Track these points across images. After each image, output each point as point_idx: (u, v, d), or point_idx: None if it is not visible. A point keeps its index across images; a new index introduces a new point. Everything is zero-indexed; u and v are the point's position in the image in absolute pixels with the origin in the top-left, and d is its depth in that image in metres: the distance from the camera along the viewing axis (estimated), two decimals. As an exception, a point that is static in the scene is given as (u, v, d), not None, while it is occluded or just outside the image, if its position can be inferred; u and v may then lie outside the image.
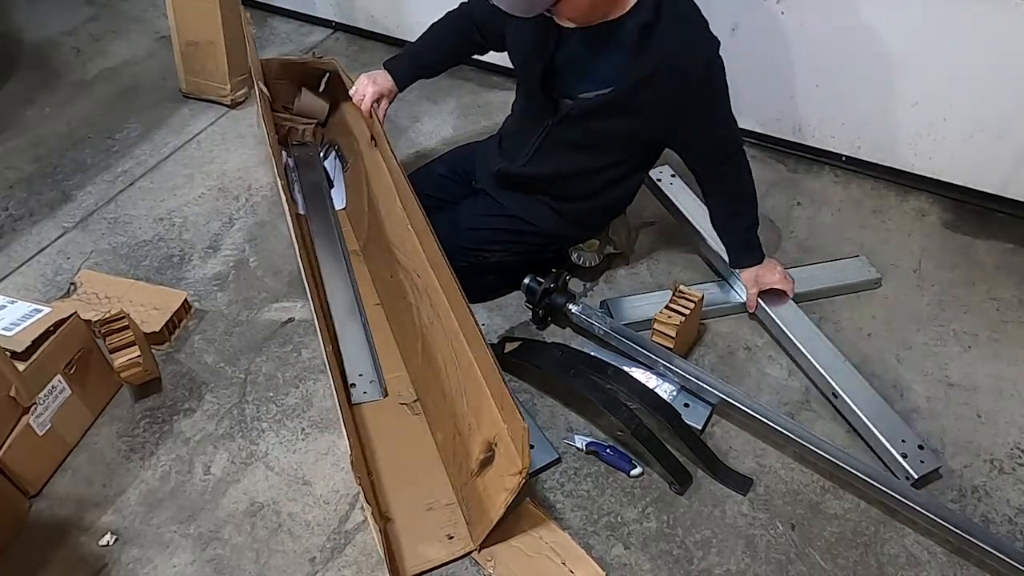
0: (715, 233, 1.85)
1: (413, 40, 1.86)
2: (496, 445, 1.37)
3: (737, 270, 1.81)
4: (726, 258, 1.83)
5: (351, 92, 1.87)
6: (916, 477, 1.47)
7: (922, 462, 1.49)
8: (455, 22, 1.81)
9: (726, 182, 1.71)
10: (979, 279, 1.94)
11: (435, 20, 1.85)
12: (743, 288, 1.82)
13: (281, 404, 1.67)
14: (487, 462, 1.38)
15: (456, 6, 1.83)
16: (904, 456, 1.50)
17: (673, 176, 2.13)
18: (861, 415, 1.56)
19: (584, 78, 1.57)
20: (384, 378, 1.69)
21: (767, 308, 1.77)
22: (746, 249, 1.77)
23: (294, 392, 1.70)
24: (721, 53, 1.51)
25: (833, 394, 1.62)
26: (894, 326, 1.83)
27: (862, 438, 1.58)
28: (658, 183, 2.11)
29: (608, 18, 1.48)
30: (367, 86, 1.82)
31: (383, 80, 1.83)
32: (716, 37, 1.51)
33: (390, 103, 1.87)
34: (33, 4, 3.18)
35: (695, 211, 2.00)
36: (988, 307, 1.87)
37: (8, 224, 2.14)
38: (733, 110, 1.62)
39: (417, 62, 1.87)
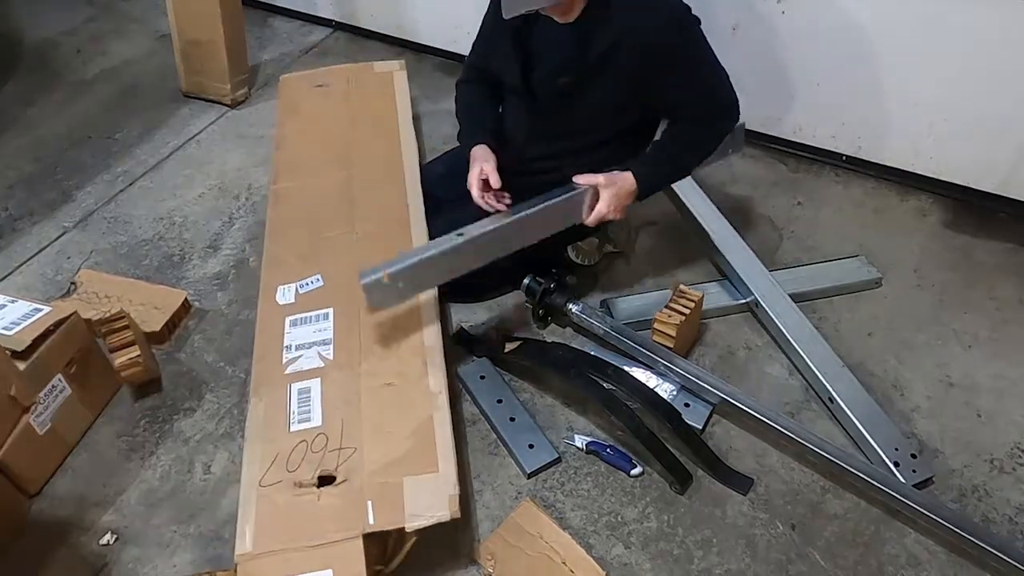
0: (723, 232, 1.85)
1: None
2: None
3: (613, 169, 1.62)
4: (709, 239, 1.73)
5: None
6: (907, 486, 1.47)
7: (914, 471, 1.49)
8: (475, 87, 1.79)
9: (686, 133, 1.61)
10: (979, 279, 1.94)
11: (459, 103, 1.81)
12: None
13: (281, 404, 1.67)
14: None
15: (461, 78, 1.83)
16: (896, 464, 1.49)
17: None
18: (856, 421, 1.56)
19: (554, 59, 1.58)
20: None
21: (766, 308, 1.77)
22: (640, 163, 1.62)
23: (294, 392, 1.70)
24: (718, 49, 1.51)
25: (829, 399, 1.62)
26: (894, 326, 1.82)
27: (857, 445, 1.57)
28: None
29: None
30: (479, 172, 1.65)
31: (483, 153, 1.69)
32: (681, 2, 1.49)
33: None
34: (33, 4, 3.18)
35: (703, 209, 2.00)
36: (988, 307, 1.87)
37: (8, 224, 2.14)
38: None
39: (485, 128, 1.77)
